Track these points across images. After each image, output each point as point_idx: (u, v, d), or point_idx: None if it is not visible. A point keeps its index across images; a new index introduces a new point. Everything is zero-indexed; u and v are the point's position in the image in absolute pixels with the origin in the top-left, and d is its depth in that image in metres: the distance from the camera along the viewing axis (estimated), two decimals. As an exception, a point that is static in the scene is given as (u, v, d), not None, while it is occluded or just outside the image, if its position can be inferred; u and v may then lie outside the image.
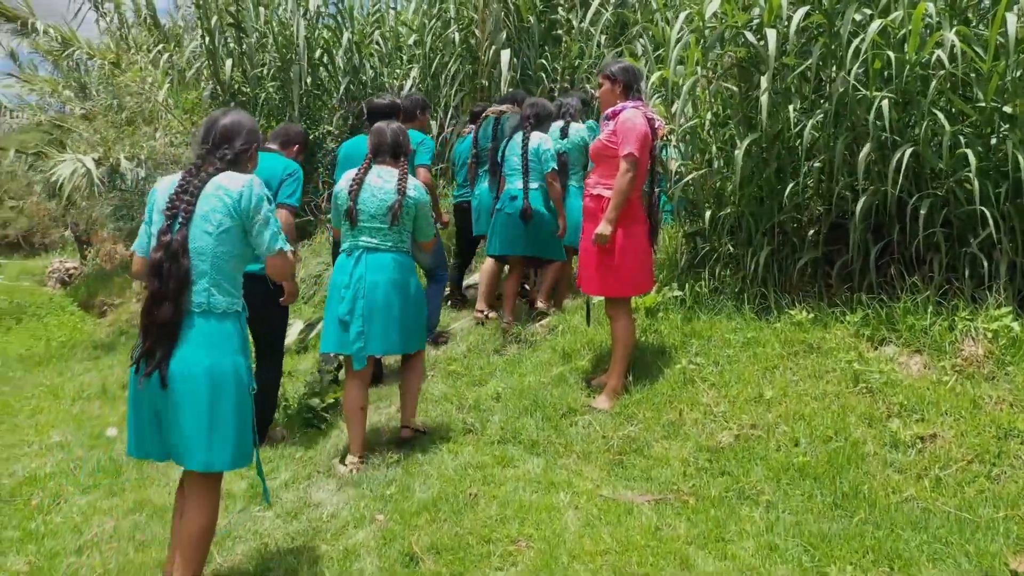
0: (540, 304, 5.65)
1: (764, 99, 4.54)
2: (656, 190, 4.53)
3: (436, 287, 5.58)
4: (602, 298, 4.59)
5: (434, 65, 8.77)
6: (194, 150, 2.65)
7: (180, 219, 2.48)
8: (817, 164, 4.71)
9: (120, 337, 7.98)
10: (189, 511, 2.54)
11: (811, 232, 4.91)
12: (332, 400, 4.61)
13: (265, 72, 10.07)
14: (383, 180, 3.88)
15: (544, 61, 8.11)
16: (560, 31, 8.33)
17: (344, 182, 3.84)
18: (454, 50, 8.63)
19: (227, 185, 2.52)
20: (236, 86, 9.91)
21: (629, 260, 4.17)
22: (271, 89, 9.98)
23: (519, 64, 8.00)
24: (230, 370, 2.50)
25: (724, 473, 3.34)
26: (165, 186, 2.59)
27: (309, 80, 10.03)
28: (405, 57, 10.43)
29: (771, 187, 5.05)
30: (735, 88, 5.10)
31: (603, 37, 8.17)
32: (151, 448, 2.57)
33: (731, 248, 5.16)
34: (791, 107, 4.56)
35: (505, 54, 7.63)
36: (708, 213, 5.16)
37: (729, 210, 5.07)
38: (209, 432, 2.45)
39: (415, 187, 3.91)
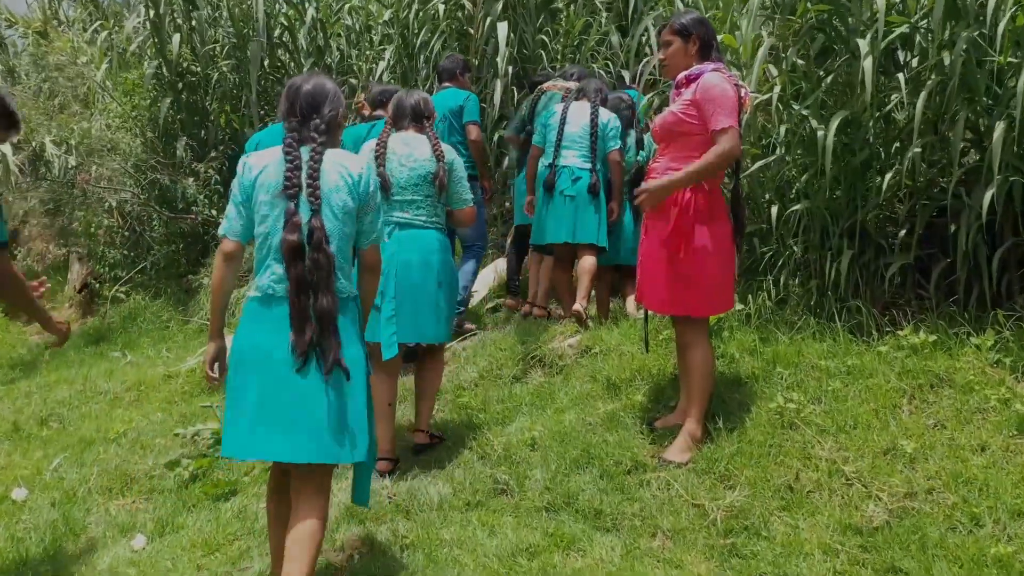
0: (579, 305, 4.64)
1: (867, 66, 3.62)
2: (741, 179, 3.58)
3: (471, 263, 5.12)
4: (659, 316, 3.64)
5: (418, 42, 7.70)
6: (284, 122, 2.48)
7: (312, 206, 2.35)
8: (917, 149, 3.80)
9: (45, 352, 6.74)
10: (304, 510, 2.37)
11: (902, 232, 4.01)
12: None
13: (218, 50, 8.89)
14: (410, 147, 3.52)
15: (544, 37, 7.12)
16: (559, 3, 7.35)
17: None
18: (437, 24, 7.58)
19: (348, 165, 2.45)
20: (185, 64, 8.71)
21: (711, 268, 3.21)
22: (225, 68, 8.80)
23: (516, 40, 7.00)
24: (359, 358, 2.44)
25: (892, 570, 2.38)
26: (267, 161, 2.42)
27: (267, 61, 8.90)
28: (376, 37, 9.37)
29: (855, 177, 4.14)
30: (812, 56, 4.18)
31: (607, 14, 7.24)
32: (268, 445, 2.33)
33: (799, 252, 4.23)
34: (900, 76, 3.65)
35: (502, 27, 6.62)
36: (775, 209, 4.23)
37: (800, 206, 4.15)
38: (348, 424, 2.36)
39: (448, 148, 3.60)
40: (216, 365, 2.49)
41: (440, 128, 4.65)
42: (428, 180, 3.51)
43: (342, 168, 2.42)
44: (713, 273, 3.22)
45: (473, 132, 5.00)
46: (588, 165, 4.67)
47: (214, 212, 8.14)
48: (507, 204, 6.83)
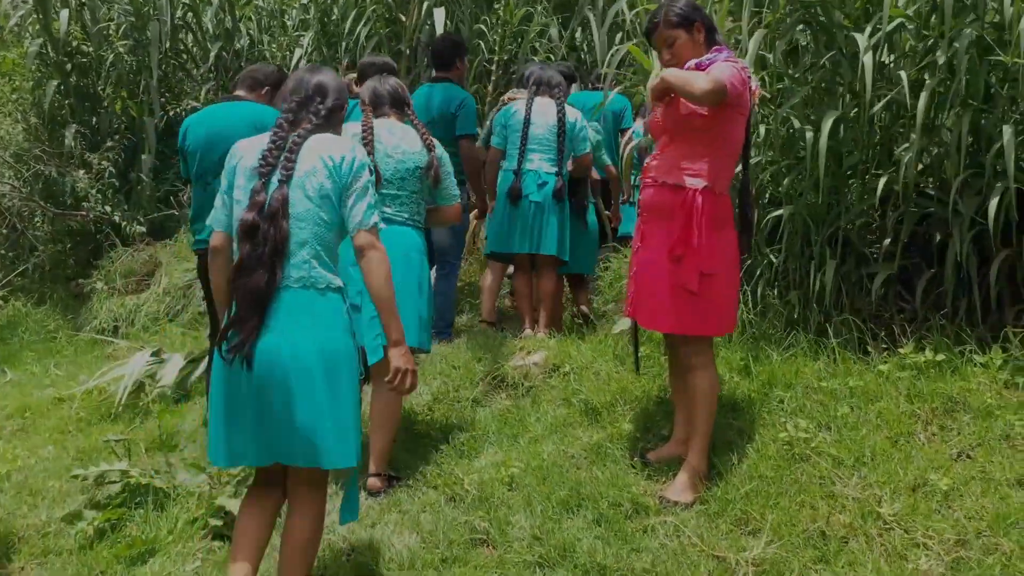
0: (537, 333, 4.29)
1: (867, 62, 3.34)
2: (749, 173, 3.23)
3: (447, 280, 4.65)
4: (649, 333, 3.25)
5: (342, 28, 7.09)
6: (282, 106, 2.40)
7: (279, 177, 2.21)
8: (910, 154, 3.56)
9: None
10: (296, 518, 2.27)
11: (886, 241, 3.78)
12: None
13: (114, 29, 8.02)
14: (397, 137, 3.25)
15: (483, 27, 6.67)
16: (495, -9, 6.92)
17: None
18: (363, 9, 7.00)
19: (329, 146, 2.29)
20: (75, 44, 7.81)
21: (721, 282, 2.84)
22: (121, 50, 7.95)
23: (452, 29, 6.50)
24: (343, 351, 2.25)
25: (968, 638, 2.06)
26: (249, 147, 2.32)
27: (168, 44, 8.10)
28: (292, 22, 8.70)
29: (840, 182, 3.88)
30: (798, 51, 3.90)
31: (547, 3, 6.86)
32: (246, 449, 2.22)
33: (779, 261, 3.94)
34: (902, 74, 3.38)
35: (439, 13, 6.11)
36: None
37: (783, 212, 3.86)
38: (328, 423, 2.18)
39: (437, 142, 3.36)
40: None
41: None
42: (416, 174, 3.25)
43: (323, 150, 2.26)
44: (723, 287, 2.86)
45: (466, 148, 4.46)
46: (555, 169, 4.33)
47: (108, 209, 7.31)
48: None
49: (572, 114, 4.40)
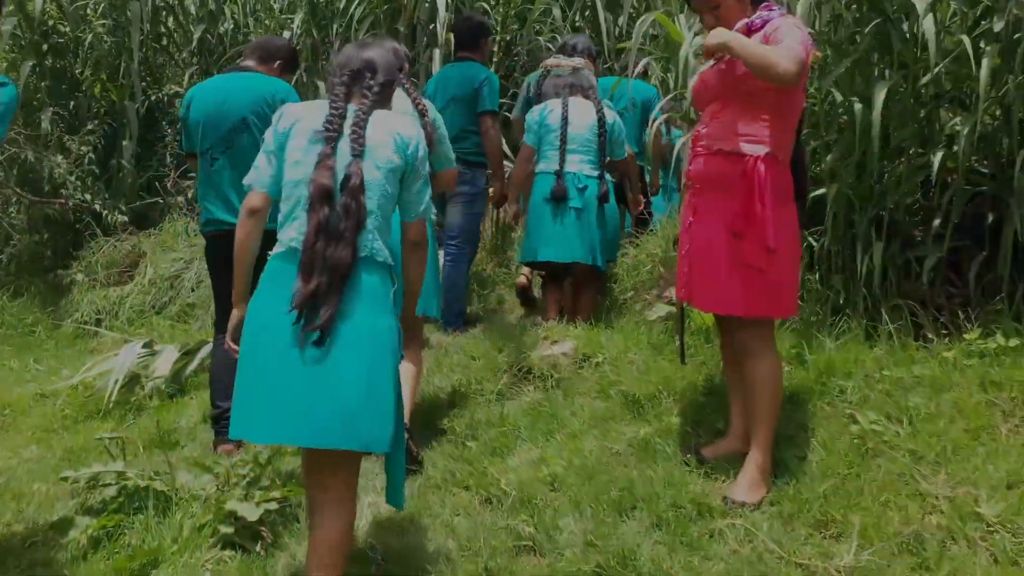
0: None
1: (928, 26, 3.10)
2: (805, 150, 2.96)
3: (457, 267, 4.39)
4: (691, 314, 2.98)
5: (339, 6, 6.75)
6: (331, 79, 2.28)
7: (352, 151, 2.09)
8: (965, 127, 3.33)
9: None
10: (329, 509, 2.09)
11: (936, 222, 3.55)
12: (275, 500, 2.63)
13: (92, 9, 7.62)
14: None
15: (485, 4, 6.36)
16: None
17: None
18: (358, -14, 6.66)
19: (397, 124, 2.20)
20: (51, 23, 7.41)
21: (784, 259, 2.58)
22: (101, 31, 7.55)
23: (452, 5, 6.20)
24: (388, 332, 2.11)
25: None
26: (305, 110, 2.21)
27: (150, 26, 7.72)
28: (278, 4, 8.34)
29: (889, 158, 3.64)
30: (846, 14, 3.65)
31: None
32: (283, 428, 2.02)
33: (825, 243, 3.70)
34: (964, 38, 3.14)
35: (441, -10, 5.80)
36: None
37: (826, 191, 3.61)
38: (369, 405, 2.03)
39: (428, 103, 3.12)
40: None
41: (447, 113, 3.93)
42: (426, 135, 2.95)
43: (392, 126, 2.19)
44: (786, 265, 2.60)
45: (487, 126, 4.26)
46: (596, 172, 4.13)
47: (88, 196, 6.91)
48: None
49: (610, 115, 4.22)
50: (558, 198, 4.05)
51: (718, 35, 2.49)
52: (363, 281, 2.07)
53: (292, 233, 2.09)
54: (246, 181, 2.21)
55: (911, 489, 2.41)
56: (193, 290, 5.92)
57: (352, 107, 2.16)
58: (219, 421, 3.24)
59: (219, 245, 3.15)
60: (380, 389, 2.06)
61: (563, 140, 4.10)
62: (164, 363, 4.05)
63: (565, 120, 4.12)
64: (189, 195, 7.21)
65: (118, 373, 3.94)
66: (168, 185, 7.38)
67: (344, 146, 2.10)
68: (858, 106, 3.38)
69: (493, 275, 5.36)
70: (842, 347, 3.17)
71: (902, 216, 3.69)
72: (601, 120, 4.15)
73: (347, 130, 2.12)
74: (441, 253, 4.26)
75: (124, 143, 7.23)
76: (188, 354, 4.20)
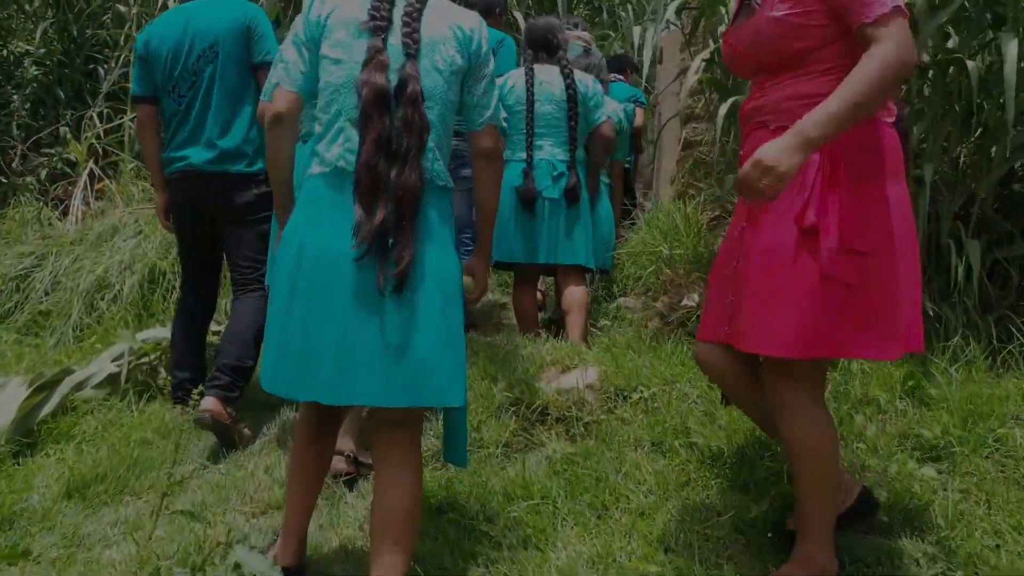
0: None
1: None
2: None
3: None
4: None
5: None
6: None
7: (406, 50, 1.75)
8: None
9: None
10: (391, 476, 1.80)
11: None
12: None
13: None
14: None
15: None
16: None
17: None
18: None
19: (456, 15, 1.86)
20: None
21: (882, 265, 1.70)
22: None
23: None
24: (456, 272, 1.83)
25: None
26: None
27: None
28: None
29: (993, 135, 2.91)
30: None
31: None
32: (348, 385, 1.71)
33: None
34: None
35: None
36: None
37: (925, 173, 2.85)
38: (444, 357, 1.75)
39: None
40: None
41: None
42: None
43: (451, 19, 1.84)
44: (887, 276, 1.71)
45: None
46: (567, 156, 3.39)
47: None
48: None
49: (584, 79, 3.44)
50: (528, 196, 3.34)
51: (758, 178, 1.59)
52: (427, 212, 1.76)
53: (337, 150, 1.75)
54: (271, 79, 1.93)
55: None
56: (47, 294, 4.60)
57: None
58: (176, 391, 2.98)
59: (186, 188, 2.95)
60: (453, 338, 1.78)
61: (530, 122, 3.34)
62: (6, 403, 2.82)
63: (530, 96, 3.33)
64: (42, 175, 5.90)
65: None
66: (13, 163, 6.00)
67: (395, 40, 1.75)
68: (971, 64, 2.62)
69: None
70: (969, 378, 2.40)
71: (989, 208, 3.00)
72: (570, 87, 3.34)
73: (397, 20, 1.77)
74: None
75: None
76: (43, 389, 2.97)
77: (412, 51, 1.74)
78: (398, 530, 1.75)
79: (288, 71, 1.83)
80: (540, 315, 3.94)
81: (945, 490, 2.04)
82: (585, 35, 3.98)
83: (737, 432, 2.31)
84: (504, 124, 1.96)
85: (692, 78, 3.23)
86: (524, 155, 3.36)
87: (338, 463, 2.42)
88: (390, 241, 1.69)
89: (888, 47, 1.57)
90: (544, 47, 3.45)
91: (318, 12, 1.81)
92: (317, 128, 1.81)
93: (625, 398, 2.62)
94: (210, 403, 2.68)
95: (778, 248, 1.71)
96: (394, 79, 1.71)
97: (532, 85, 3.36)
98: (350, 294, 1.69)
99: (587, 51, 3.90)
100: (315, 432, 1.96)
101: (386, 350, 1.70)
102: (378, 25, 1.75)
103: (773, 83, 1.79)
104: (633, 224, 4.38)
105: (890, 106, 1.78)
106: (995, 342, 2.69)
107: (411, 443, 1.84)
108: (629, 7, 7.02)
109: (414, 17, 1.77)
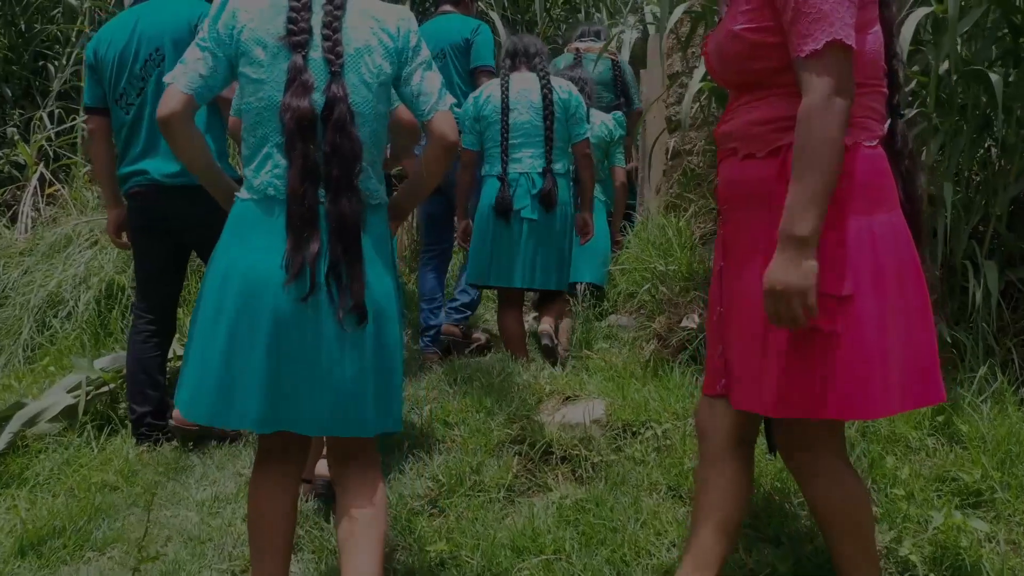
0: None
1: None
2: (902, 117, 1.85)
3: (436, 271, 3.83)
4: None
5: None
6: None
7: (330, 62, 1.63)
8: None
9: None
10: (356, 492, 1.72)
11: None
12: None
13: None
14: None
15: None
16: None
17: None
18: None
19: (382, 15, 1.72)
20: None
21: (865, 310, 1.48)
22: None
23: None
24: (395, 295, 1.76)
25: None
26: (260, 6, 1.66)
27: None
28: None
29: (1010, 152, 2.79)
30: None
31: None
32: (280, 414, 1.65)
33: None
34: None
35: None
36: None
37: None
38: (374, 385, 1.69)
39: None
40: None
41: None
42: None
43: (375, 20, 1.71)
44: (871, 321, 1.49)
45: (484, 82, 3.48)
46: (545, 163, 3.27)
47: None
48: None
49: (563, 87, 3.32)
50: (503, 210, 3.23)
51: (778, 281, 1.42)
52: (363, 236, 1.66)
53: (265, 177, 1.66)
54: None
55: None
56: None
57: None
58: (137, 427, 2.84)
59: (148, 205, 2.80)
60: (387, 364, 1.72)
61: (504, 134, 3.21)
62: (60, 396, 2.55)
63: (505, 106, 3.21)
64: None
65: None
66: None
67: (316, 55, 1.64)
68: (995, 77, 2.50)
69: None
70: (1002, 412, 2.27)
71: (1003, 226, 2.89)
72: (547, 97, 3.22)
73: (317, 31, 1.64)
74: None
75: None
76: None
77: (336, 67, 1.63)
78: (368, 536, 1.68)
79: (190, 74, 1.67)
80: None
81: (991, 541, 1.90)
82: (596, 46, 3.90)
83: (764, 475, 2.15)
84: (458, 109, 1.86)
85: (695, 86, 3.07)
86: (500, 170, 3.25)
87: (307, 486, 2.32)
88: (340, 274, 1.61)
89: (810, 102, 1.39)
90: (523, 54, 3.36)
91: (229, 25, 1.66)
92: (244, 151, 1.71)
93: (634, 434, 2.44)
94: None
95: (751, 293, 1.53)
96: (320, 99, 1.61)
97: (507, 94, 3.24)
98: (276, 320, 1.61)
99: (578, 62, 3.78)
100: (273, 469, 1.81)
101: (313, 378, 1.64)
102: (297, 41, 1.62)
103: (740, 103, 1.61)
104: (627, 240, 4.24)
105: (869, 125, 1.59)
106: (1020, 373, 2.58)
107: (377, 465, 1.79)
108: (603, 6, 6.86)
109: (335, 28, 1.63)
